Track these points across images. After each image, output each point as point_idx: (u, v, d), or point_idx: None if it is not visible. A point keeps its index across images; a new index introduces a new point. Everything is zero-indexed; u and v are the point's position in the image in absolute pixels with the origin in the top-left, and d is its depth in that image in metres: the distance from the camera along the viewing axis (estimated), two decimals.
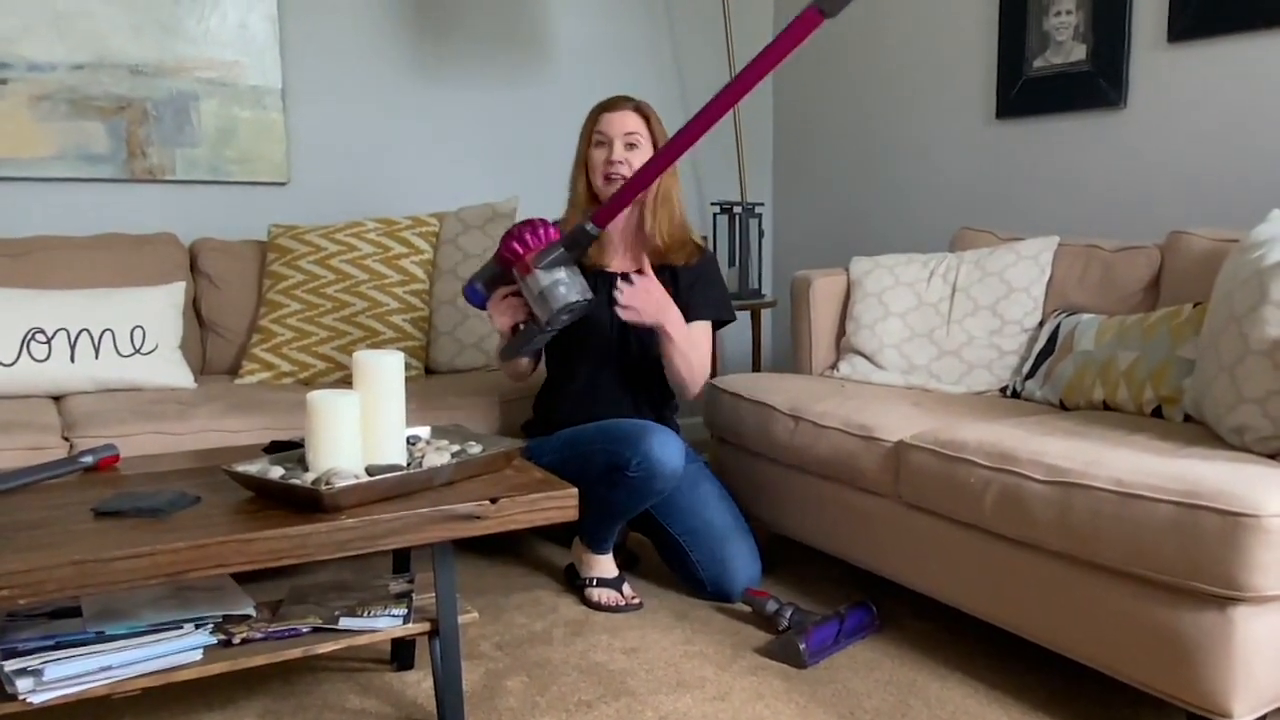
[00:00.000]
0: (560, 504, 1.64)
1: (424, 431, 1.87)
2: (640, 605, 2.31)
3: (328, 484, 1.49)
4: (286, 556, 1.43)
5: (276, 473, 1.58)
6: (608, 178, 2.34)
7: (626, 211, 2.36)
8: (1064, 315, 2.44)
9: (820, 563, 2.59)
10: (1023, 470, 1.79)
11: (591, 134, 2.38)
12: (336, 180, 3.31)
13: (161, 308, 2.66)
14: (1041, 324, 2.51)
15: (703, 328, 2.40)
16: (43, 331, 2.47)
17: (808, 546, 2.46)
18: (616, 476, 2.18)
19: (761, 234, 3.54)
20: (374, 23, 3.32)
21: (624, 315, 2.19)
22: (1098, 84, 2.81)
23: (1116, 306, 2.40)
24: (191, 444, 2.24)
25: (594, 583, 2.33)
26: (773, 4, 4.01)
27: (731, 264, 3.46)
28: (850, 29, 3.63)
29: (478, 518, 1.56)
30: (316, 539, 1.44)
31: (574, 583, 2.40)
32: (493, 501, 1.57)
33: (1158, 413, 2.08)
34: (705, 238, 2.61)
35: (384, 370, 1.66)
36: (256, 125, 3.14)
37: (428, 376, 2.85)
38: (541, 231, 2.08)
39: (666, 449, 2.17)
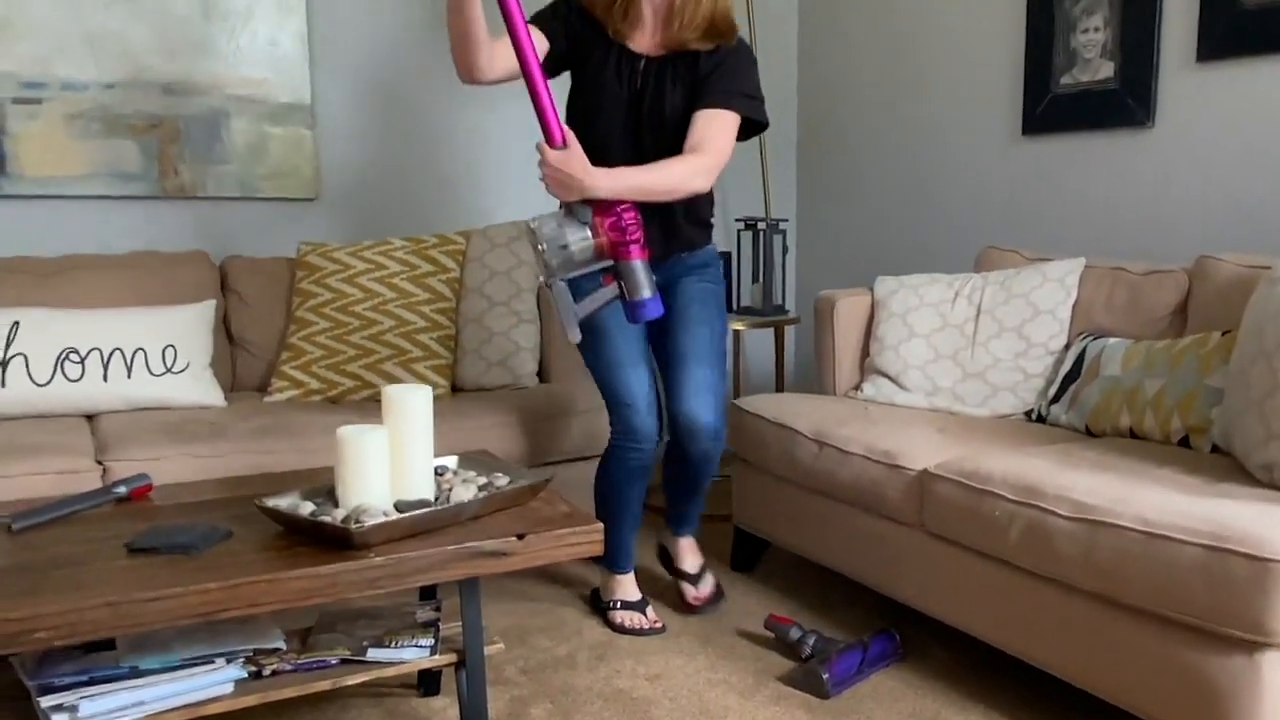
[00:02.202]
0: (587, 539, 1.65)
1: (451, 461, 1.89)
2: (664, 629, 2.32)
3: (357, 522, 1.51)
4: (317, 595, 1.45)
5: (306, 509, 1.60)
6: None
7: None
8: (1090, 339, 2.43)
9: (843, 589, 2.59)
10: (1048, 505, 1.79)
11: None
12: (365, 197, 3.34)
13: (193, 326, 2.70)
14: (1067, 347, 2.50)
15: (707, 117, 2.12)
16: (76, 351, 2.51)
17: (831, 571, 2.46)
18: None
19: (785, 250, 3.54)
20: (403, 40, 3.35)
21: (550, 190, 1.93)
22: (1125, 102, 2.79)
23: (1143, 330, 2.39)
24: (222, 467, 2.27)
25: (618, 605, 2.35)
26: (796, 3, 4.00)
27: (755, 280, 3.45)
28: (875, 44, 3.62)
29: (505, 554, 1.58)
30: (346, 578, 1.46)
31: (598, 606, 2.42)
32: (519, 538, 1.59)
33: (1184, 442, 2.06)
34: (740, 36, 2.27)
35: (413, 405, 1.68)
36: (286, 142, 3.17)
37: (454, 394, 2.87)
38: None
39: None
